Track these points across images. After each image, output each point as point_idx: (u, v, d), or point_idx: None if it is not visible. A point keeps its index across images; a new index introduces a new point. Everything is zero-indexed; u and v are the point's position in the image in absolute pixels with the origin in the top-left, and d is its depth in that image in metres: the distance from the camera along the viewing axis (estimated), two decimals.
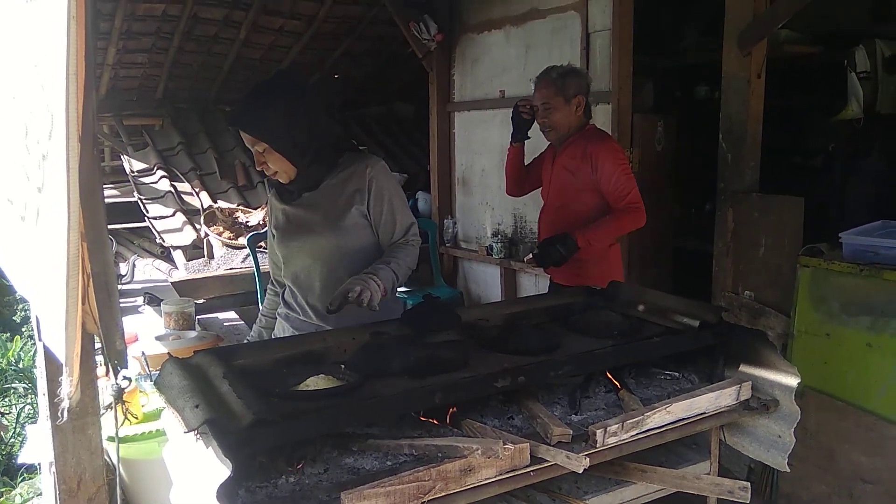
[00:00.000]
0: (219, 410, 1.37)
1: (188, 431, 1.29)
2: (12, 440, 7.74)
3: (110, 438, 2.10)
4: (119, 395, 0.82)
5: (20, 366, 10.58)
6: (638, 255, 3.90)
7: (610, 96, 3.78)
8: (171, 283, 4.21)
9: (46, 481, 2.33)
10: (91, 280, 0.84)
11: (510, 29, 4.53)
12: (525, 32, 4.42)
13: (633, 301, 2.18)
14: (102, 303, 0.85)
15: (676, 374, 2.07)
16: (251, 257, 4.41)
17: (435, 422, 1.71)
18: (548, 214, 3.07)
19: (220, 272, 4.51)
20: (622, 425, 1.66)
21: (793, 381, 1.85)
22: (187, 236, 5.06)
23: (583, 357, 1.81)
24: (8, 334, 10.31)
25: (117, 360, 0.83)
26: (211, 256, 4.89)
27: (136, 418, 2.00)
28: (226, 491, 1.19)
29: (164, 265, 5.08)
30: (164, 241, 5.02)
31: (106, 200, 6.21)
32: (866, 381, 2.61)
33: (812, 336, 2.78)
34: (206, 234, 4.89)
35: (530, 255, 2.88)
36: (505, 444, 1.50)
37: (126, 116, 6.38)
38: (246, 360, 1.74)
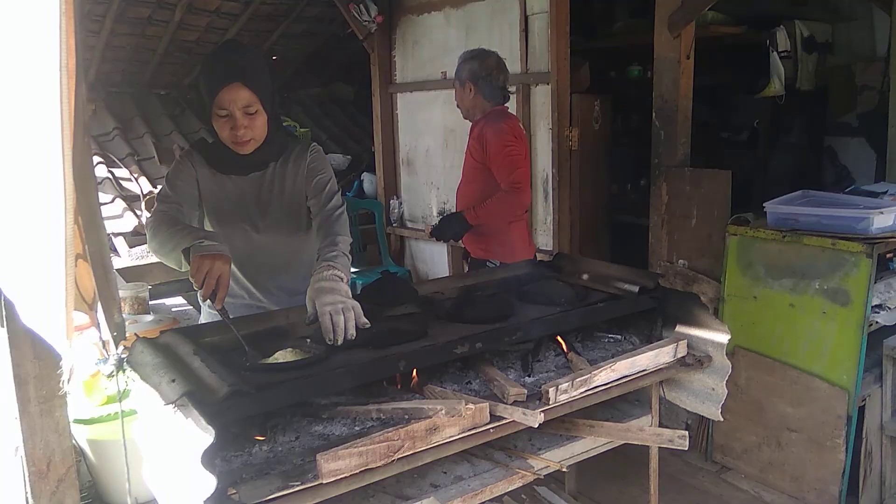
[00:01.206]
0: (195, 384, 1.44)
1: (167, 404, 1.35)
2: None
3: (77, 421, 2.13)
4: (120, 364, 0.88)
5: None
6: (578, 230, 4.07)
7: (549, 77, 3.90)
8: (116, 269, 4.15)
9: (13, 466, 2.33)
10: (90, 259, 0.90)
11: (450, 11, 4.60)
12: (465, 14, 4.50)
13: (578, 271, 2.32)
14: (100, 279, 0.90)
15: (619, 336, 2.22)
16: None
17: (399, 388, 1.82)
18: (459, 189, 3.29)
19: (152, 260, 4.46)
20: (572, 383, 1.80)
21: (724, 337, 2.02)
22: (128, 223, 4.98)
23: (534, 323, 1.93)
24: None
25: (117, 331, 0.89)
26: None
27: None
28: (209, 457, 1.26)
29: None
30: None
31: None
32: (790, 338, 2.84)
33: (741, 299, 2.99)
34: (145, 219, 4.82)
35: (430, 229, 3.03)
36: (466, 404, 1.61)
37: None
38: (213, 337, 1.80)
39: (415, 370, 1.80)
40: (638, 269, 2.25)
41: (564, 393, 1.79)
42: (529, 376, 1.94)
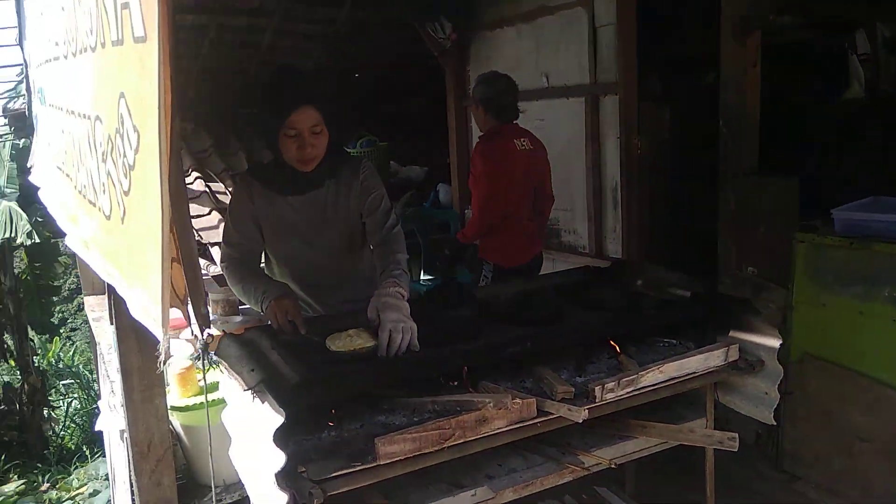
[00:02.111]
0: (271, 373, 1.63)
1: (247, 390, 1.55)
2: (62, 432, 8.14)
3: (173, 408, 2.38)
4: (205, 348, 1.06)
5: (60, 365, 11.00)
6: (648, 238, 4.10)
7: (617, 87, 3.97)
8: (212, 276, 4.50)
9: (118, 449, 2.62)
10: (182, 262, 1.09)
11: (521, 26, 4.74)
12: (535, 29, 4.62)
13: (634, 277, 2.40)
14: (191, 279, 1.10)
15: (674, 341, 2.28)
16: None
17: (455, 384, 1.96)
18: None
19: None
20: (618, 383, 1.89)
21: (775, 342, 2.07)
22: (222, 233, 5.37)
23: (583, 327, 2.04)
24: (47, 335, 10.75)
25: (203, 322, 1.07)
26: None
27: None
28: (281, 435, 1.45)
29: (202, 261, 5.39)
30: (201, 237, 5.32)
31: None
32: (860, 346, 2.80)
33: (810, 306, 2.97)
34: None
35: None
36: (514, 398, 1.74)
37: None
38: (289, 336, 2.00)
39: (465, 368, 1.94)
40: (691, 275, 2.30)
41: (611, 392, 1.88)
42: (580, 377, 2.05)
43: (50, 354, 9.92)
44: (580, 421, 1.78)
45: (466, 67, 5.34)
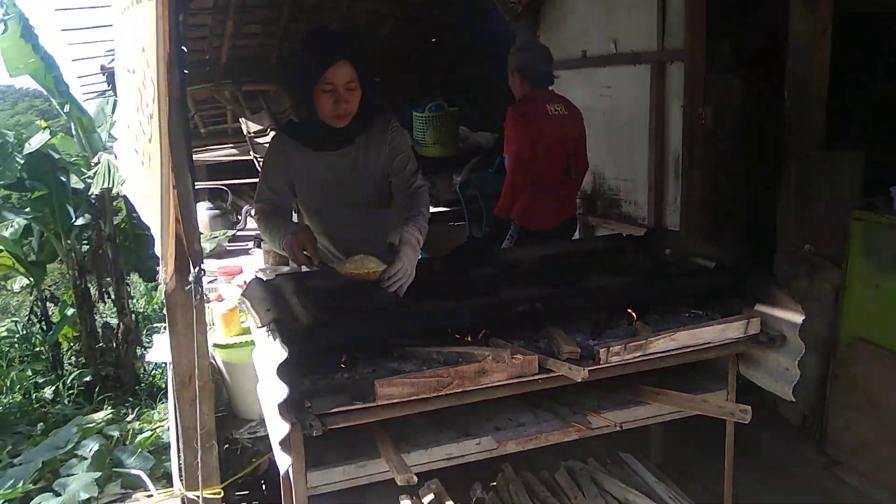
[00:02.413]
0: (286, 315, 1.76)
1: (260, 327, 1.68)
2: (153, 371, 8.76)
3: (216, 346, 2.59)
4: (198, 279, 1.18)
5: (157, 308, 11.69)
6: (711, 210, 3.99)
7: (683, 54, 3.86)
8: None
9: (169, 378, 2.87)
10: (179, 201, 1.22)
11: None
12: None
13: (663, 246, 2.38)
14: (185, 217, 1.22)
15: (700, 312, 2.27)
16: None
17: (469, 339, 2.04)
18: None
19: None
20: (625, 346, 1.92)
21: (798, 318, 2.02)
22: None
23: (599, 291, 2.06)
24: (148, 281, 11.45)
25: (194, 257, 1.19)
26: None
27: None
28: (284, 370, 1.57)
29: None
30: None
31: (226, 158, 6.85)
32: None
33: (863, 288, 2.85)
34: None
35: None
36: (514, 354, 1.80)
37: (245, 83, 6.99)
38: (316, 282, 2.12)
39: (482, 327, 2.01)
40: (722, 246, 2.27)
41: (616, 355, 1.91)
42: (594, 340, 2.08)
43: (155, 301, 10.61)
44: (579, 379, 1.82)
45: (538, 32, 5.28)
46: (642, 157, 4.29)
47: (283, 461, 1.67)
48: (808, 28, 3.11)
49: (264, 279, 2.10)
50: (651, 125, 4.16)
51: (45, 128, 7.21)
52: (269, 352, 1.70)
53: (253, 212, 2.43)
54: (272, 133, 6.15)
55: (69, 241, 8.45)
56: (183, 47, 1.34)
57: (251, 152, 5.95)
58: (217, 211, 4.09)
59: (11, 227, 7.64)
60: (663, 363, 2.00)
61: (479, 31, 6.95)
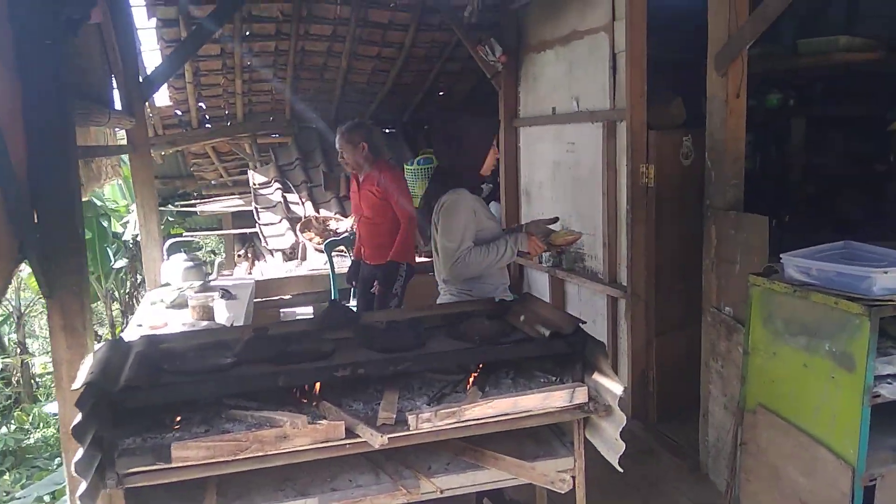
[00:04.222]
0: (108, 377, 1.93)
1: (73, 389, 1.86)
2: None
3: None
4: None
5: None
6: (654, 267, 3.99)
7: (624, 114, 3.91)
8: (256, 281, 4.98)
9: None
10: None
11: (559, 49, 4.76)
12: (569, 51, 4.62)
13: (517, 312, 2.45)
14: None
15: (553, 377, 2.32)
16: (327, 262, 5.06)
17: (304, 400, 2.16)
18: (363, 225, 4.55)
19: (302, 272, 5.23)
20: (435, 413, 1.99)
21: (618, 388, 2.05)
22: (287, 240, 5.87)
23: (424, 356, 2.15)
24: None
25: None
26: (304, 259, 5.64)
27: None
28: (78, 430, 1.73)
29: (266, 265, 5.93)
30: (267, 244, 5.86)
31: (232, 209, 7.19)
32: (803, 400, 2.61)
33: (763, 354, 2.81)
34: (300, 240, 5.66)
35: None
36: (316, 420, 1.91)
37: (260, 136, 7.40)
38: (170, 344, 2.30)
39: (317, 386, 2.13)
40: (565, 313, 2.32)
41: (427, 422, 1.99)
42: (429, 405, 2.16)
43: None
44: (377, 446, 1.91)
45: (518, 88, 5.42)
46: (599, 213, 4.33)
47: None
48: (721, 92, 3.13)
49: (125, 340, 2.29)
50: (604, 182, 4.21)
51: None
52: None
53: (453, 261, 2.70)
54: (275, 184, 6.48)
55: (108, 284, 9.02)
56: None
57: (252, 203, 6.28)
58: (191, 263, 4.35)
59: None
60: (495, 429, 2.07)
61: (483, 82, 7.16)
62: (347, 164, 4.43)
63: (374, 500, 2.08)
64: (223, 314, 3.78)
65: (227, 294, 4.29)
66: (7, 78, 2.20)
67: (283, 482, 2.18)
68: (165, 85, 6.42)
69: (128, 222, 8.68)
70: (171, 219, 9.36)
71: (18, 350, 9.27)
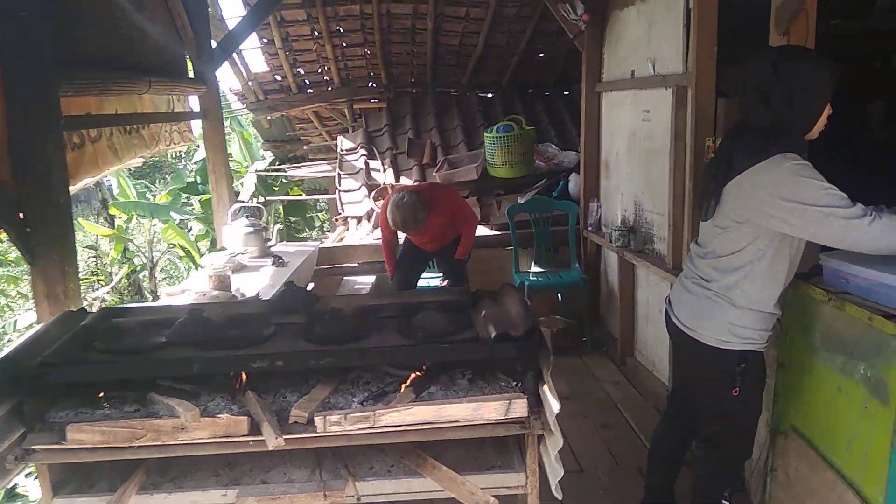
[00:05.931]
0: (36, 350, 1.94)
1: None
2: None
3: None
4: None
5: None
6: None
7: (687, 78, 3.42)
8: (320, 248, 4.99)
9: None
10: None
11: (640, 5, 4.27)
12: (649, 8, 4.13)
13: (483, 306, 2.20)
14: None
15: (515, 382, 2.06)
16: None
17: (237, 387, 2.07)
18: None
19: (366, 241, 5.19)
20: (345, 417, 1.83)
21: (556, 406, 1.77)
22: (364, 207, 5.85)
23: (346, 352, 1.98)
24: None
25: None
26: (375, 227, 5.60)
27: None
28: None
29: (348, 232, 5.95)
30: (344, 210, 5.87)
31: (320, 174, 7.31)
32: (836, 431, 2.16)
33: (797, 371, 2.36)
34: (373, 208, 5.61)
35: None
36: (218, 414, 1.81)
37: (357, 101, 7.39)
38: (126, 318, 2.29)
39: (244, 374, 2.04)
40: (527, 314, 2.04)
41: (336, 425, 1.83)
42: (362, 403, 2.00)
43: None
44: (271, 447, 1.78)
45: (602, 49, 4.95)
46: (667, 190, 3.87)
47: None
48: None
49: (84, 311, 2.31)
50: (671, 155, 3.74)
51: None
52: None
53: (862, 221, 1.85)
54: (360, 150, 6.46)
55: None
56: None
57: (337, 169, 6.30)
58: (251, 228, 4.43)
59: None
60: (419, 437, 1.88)
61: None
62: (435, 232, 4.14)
63: (294, 500, 1.96)
64: (256, 282, 3.75)
65: (278, 261, 4.32)
66: None
67: (224, 467, 2.13)
68: (260, 51, 6.58)
69: (242, 183, 9.12)
70: (284, 181, 9.74)
71: None
